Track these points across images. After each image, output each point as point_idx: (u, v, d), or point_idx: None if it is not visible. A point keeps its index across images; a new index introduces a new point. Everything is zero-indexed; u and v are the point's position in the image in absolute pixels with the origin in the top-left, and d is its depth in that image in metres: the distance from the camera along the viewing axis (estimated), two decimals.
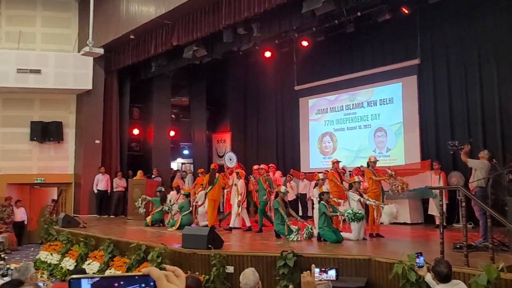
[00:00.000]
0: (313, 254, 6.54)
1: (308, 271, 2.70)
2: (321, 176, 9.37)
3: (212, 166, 11.20)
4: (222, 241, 7.42)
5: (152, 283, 0.92)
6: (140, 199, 11.67)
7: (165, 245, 7.40)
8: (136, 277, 0.92)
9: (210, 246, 6.93)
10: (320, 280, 2.84)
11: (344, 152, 13.55)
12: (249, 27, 10.52)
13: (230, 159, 10.84)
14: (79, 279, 0.89)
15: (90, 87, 13.94)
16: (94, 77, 14.00)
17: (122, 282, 0.90)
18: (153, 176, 14.27)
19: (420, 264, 4.47)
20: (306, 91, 14.83)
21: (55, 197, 14.93)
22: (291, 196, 11.79)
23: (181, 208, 10.56)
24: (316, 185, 9.33)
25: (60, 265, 9.29)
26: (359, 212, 7.93)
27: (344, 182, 9.62)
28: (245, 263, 6.48)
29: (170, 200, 11.39)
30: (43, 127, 14.13)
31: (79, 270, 7.38)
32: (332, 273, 2.92)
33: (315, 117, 14.71)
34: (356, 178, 8.75)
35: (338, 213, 8.20)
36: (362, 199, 8.30)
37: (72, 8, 14.77)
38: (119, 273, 7.00)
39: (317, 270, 2.82)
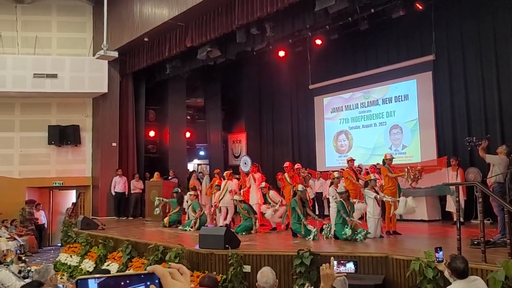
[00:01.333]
0: (329, 252, 6.52)
1: (327, 264, 2.71)
2: (336, 174, 9.34)
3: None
4: (239, 241, 7.46)
5: (157, 281, 0.94)
6: (156, 199, 11.79)
7: (183, 246, 7.46)
8: (142, 276, 0.94)
9: (227, 246, 6.96)
10: (339, 272, 2.84)
11: (359, 150, 13.48)
12: (262, 27, 10.53)
13: (245, 163, 10.89)
14: (86, 279, 0.92)
15: (105, 90, 14.12)
16: (110, 80, 14.18)
17: (128, 281, 0.93)
18: (169, 177, 14.38)
19: (440, 259, 4.43)
20: (320, 89, 14.78)
21: (74, 200, 15.14)
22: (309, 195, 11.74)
23: (195, 209, 10.62)
24: (331, 183, 9.30)
25: (79, 267, 9.43)
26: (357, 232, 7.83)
27: (360, 180, 9.58)
28: (262, 262, 6.50)
29: (187, 201, 11.47)
30: (60, 131, 14.37)
31: (100, 270, 7.46)
32: (350, 266, 2.91)
33: (330, 115, 14.65)
34: (372, 176, 8.69)
35: (350, 218, 8.05)
36: (378, 197, 8.25)
37: (86, 12, 14.98)
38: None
39: (335, 262, 2.82)
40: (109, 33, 11.54)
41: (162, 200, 11.79)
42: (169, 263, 1.17)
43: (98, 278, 0.92)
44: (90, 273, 7.75)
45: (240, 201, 9.70)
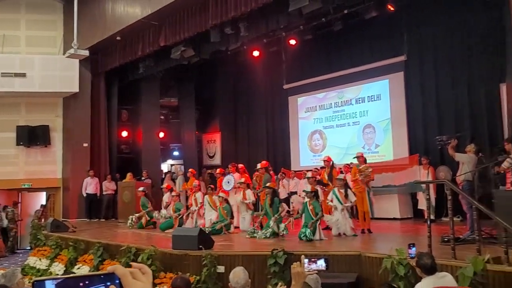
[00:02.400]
0: (303, 251, 6.53)
1: (298, 262, 2.70)
2: (309, 174, 9.44)
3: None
4: (213, 241, 7.42)
5: (117, 281, 0.92)
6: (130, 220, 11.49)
7: (155, 247, 7.36)
8: (101, 276, 0.92)
9: (201, 246, 6.91)
10: (310, 270, 2.83)
11: (333, 149, 13.57)
12: (236, 27, 10.50)
13: (228, 182, 10.81)
14: (43, 281, 0.89)
15: (76, 89, 13.83)
16: (81, 79, 13.89)
17: (87, 282, 0.90)
18: (142, 178, 14.19)
19: (413, 255, 4.49)
20: (295, 89, 14.86)
21: (44, 202, 14.79)
22: (283, 195, 11.80)
23: (179, 209, 10.56)
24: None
25: (49, 270, 9.21)
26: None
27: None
28: (236, 263, 6.44)
29: (165, 202, 11.36)
30: (29, 131, 14.00)
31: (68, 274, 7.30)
32: (321, 263, 2.90)
33: (304, 115, 14.73)
34: (341, 176, 8.79)
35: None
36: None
37: (57, 10, 14.64)
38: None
39: (306, 260, 2.81)
40: (80, 31, 11.30)
41: (134, 217, 11.50)
42: (131, 263, 1.17)
43: (56, 279, 0.89)
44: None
45: (224, 200, 9.70)
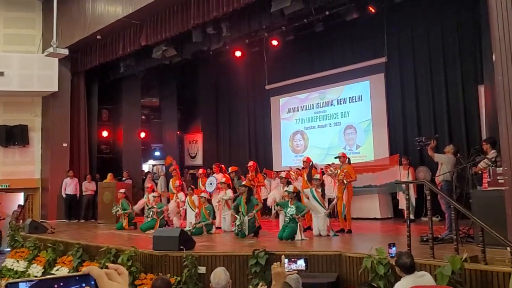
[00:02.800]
0: (284, 251, 6.55)
1: (278, 262, 2.71)
2: (283, 174, 9.51)
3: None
4: (194, 242, 7.38)
5: (92, 282, 0.91)
6: (114, 208, 11.40)
7: (136, 248, 7.29)
8: (77, 277, 0.91)
9: (182, 247, 6.86)
10: (290, 270, 2.85)
11: (315, 150, 13.65)
12: (218, 27, 10.48)
13: (211, 184, 10.77)
14: (17, 283, 0.87)
15: (56, 89, 13.60)
16: (60, 78, 13.65)
17: (62, 283, 0.89)
18: (123, 178, 14.06)
19: (393, 255, 4.53)
20: (277, 90, 14.89)
21: (22, 203, 14.53)
22: (264, 195, 11.80)
23: (160, 209, 10.50)
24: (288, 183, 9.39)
25: (27, 272, 9.05)
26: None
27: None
28: (217, 263, 6.44)
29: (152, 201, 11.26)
30: (7, 131, 13.72)
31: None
32: (301, 263, 2.92)
33: (286, 115, 14.78)
34: (317, 176, 8.84)
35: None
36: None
37: (36, 8, 14.38)
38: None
39: (286, 260, 2.83)
40: (59, 30, 11.14)
41: (118, 210, 11.38)
42: (107, 264, 1.17)
43: (30, 281, 0.88)
44: None
45: (207, 200, 9.65)
